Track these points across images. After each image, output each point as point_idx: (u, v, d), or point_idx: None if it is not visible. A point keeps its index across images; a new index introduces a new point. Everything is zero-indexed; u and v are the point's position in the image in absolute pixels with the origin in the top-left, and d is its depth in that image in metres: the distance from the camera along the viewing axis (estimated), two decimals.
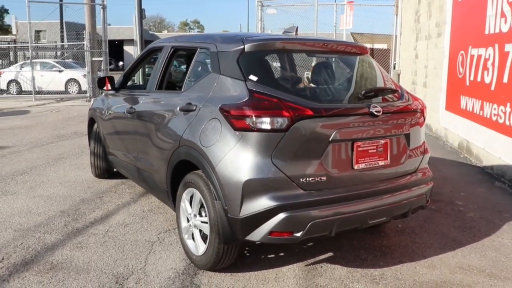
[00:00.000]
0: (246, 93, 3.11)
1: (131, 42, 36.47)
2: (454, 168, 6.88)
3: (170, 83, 4.60)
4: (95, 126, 5.76)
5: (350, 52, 3.90)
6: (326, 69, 3.89)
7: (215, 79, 3.40)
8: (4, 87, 20.16)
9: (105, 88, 5.23)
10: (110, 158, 5.46)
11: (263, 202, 2.94)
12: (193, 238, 3.53)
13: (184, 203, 3.60)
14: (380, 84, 3.85)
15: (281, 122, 2.97)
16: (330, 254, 3.74)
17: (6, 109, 14.37)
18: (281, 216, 2.93)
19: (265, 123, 2.96)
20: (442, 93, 9.02)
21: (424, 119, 3.73)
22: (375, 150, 3.30)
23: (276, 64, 4.43)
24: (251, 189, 2.95)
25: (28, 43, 18.01)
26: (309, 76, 4.26)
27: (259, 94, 3.10)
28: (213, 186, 3.14)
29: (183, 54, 4.86)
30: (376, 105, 3.29)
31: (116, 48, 45.52)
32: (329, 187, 3.10)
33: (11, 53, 26.99)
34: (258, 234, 2.99)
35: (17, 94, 19.66)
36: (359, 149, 3.23)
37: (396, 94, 3.63)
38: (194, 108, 3.46)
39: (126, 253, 3.79)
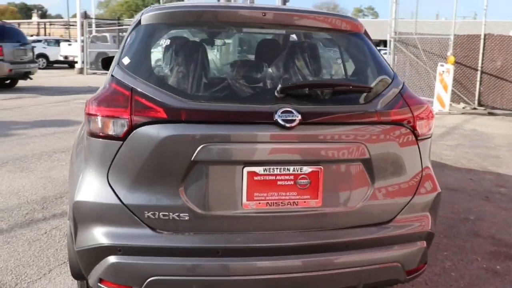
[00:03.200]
0: (108, 82, 2.28)
1: None
2: None
3: None
4: None
5: (309, 27, 2.58)
6: (261, 53, 2.80)
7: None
8: None
9: None
10: None
11: (94, 237, 2.11)
12: None
13: None
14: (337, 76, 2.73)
15: (117, 126, 2.07)
16: None
17: None
18: (109, 260, 2.09)
19: (101, 125, 2.11)
20: None
21: (419, 136, 2.31)
22: (291, 183, 2.13)
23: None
24: (84, 215, 2.16)
25: None
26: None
27: (118, 83, 2.21)
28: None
29: None
30: (290, 109, 2.09)
31: None
32: (195, 230, 2.11)
33: None
34: (92, 278, 2.17)
35: None
36: (256, 178, 2.10)
37: (363, 93, 2.35)
38: None
39: (37, 258, 3.29)
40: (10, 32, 13.38)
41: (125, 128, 2.06)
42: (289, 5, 12.17)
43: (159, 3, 19.55)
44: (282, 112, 2.07)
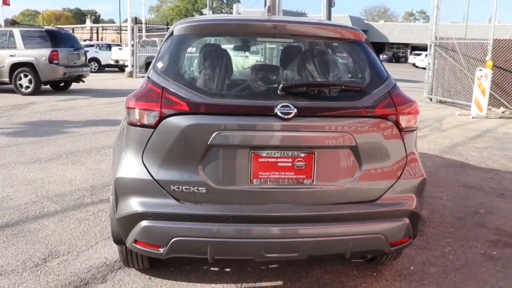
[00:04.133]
0: (145, 82, 2.79)
1: None
2: None
3: None
4: None
5: (316, 36, 3.02)
6: (273, 58, 3.35)
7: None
8: None
9: None
10: None
11: (130, 206, 2.64)
12: None
13: None
14: (334, 77, 3.13)
15: (150, 117, 2.59)
16: (279, 283, 3.17)
17: None
18: (142, 224, 2.60)
19: (138, 116, 2.63)
20: None
21: (402, 129, 2.71)
22: (289, 164, 2.59)
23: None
24: (123, 188, 2.68)
25: None
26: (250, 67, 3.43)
27: (152, 83, 2.72)
28: None
29: None
30: (288, 104, 2.54)
31: None
32: (210, 201, 2.59)
33: None
34: (129, 240, 2.70)
35: None
36: (260, 160, 2.57)
37: (353, 92, 2.75)
38: None
39: (86, 233, 3.91)
40: (65, 37, 14.32)
41: (156, 119, 2.58)
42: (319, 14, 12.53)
43: (207, 8, 19.92)
44: (281, 107, 2.54)
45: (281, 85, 2.64)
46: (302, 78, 2.94)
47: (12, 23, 38.31)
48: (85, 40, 35.95)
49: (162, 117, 2.58)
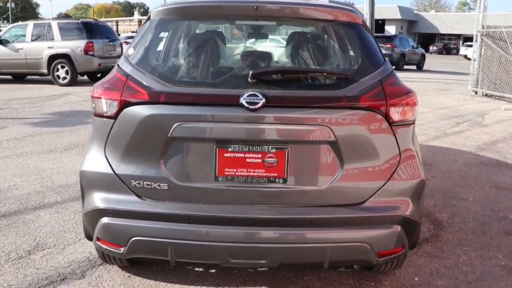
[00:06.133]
0: (114, 70, 2.59)
1: (392, 21, 36.17)
2: None
3: None
4: None
5: (306, 18, 2.66)
6: (249, 43, 3.05)
7: None
8: None
9: None
10: None
11: (93, 201, 2.47)
12: None
13: None
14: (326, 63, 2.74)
15: (111, 106, 2.40)
16: None
17: None
18: (102, 221, 2.43)
19: (100, 106, 2.45)
20: None
21: (393, 123, 2.36)
22: (258, 161, 2.31)
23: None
24: (87, 182, 2.52)
25: None
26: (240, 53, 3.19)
27: (119, 71, 2.52)
28: None
29: None
30: (255, 93, 2.25)
31: (377, 28, 46.14)
32: (172, 199, 2.37)
33: None
34: (94, 237, 2.53)
35: None
36: (226, 155, 2.31)
37: (338, 80, 2.41)
38: None
39: (78, 226, 3.77)
40: (101, 29, 14.51)
41: (117, 108, 2.38)
42: None
43: None
44: (247, 96, 2.26)
45: (250, 72, 2.34)
46: (281, 65, 2.63)
47: (65, 16, 39.58)
48: (132, 32, 36.55)
49: (122, 107, 2.37)
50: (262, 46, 4.97)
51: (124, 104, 2.37)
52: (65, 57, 13.41)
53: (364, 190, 2.38)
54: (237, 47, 3.91)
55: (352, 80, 2.39)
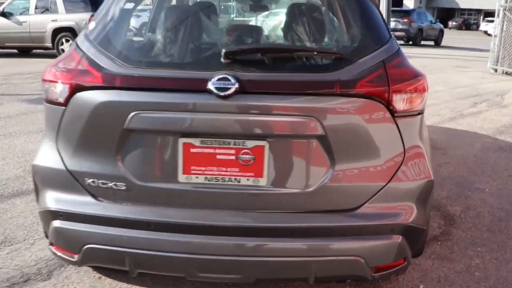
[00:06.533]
0: (71, 48, 2.19)
1: None
2: None
3: None
4: None
5: None
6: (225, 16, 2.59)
7: None
8: None
9: None
10: None
11: (45, 201, 2.12)
12: None
13: None
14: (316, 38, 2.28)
15: (60, 91, 2.01)
16: None
17: None
18: (53, 224, 2.09)
19: (49, 91, 2.07)
20: None
21: (397, 112, 1.95)
22: (232, 158, 1.93)
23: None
24: (39, 178, 2.18)
25: None
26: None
27: (75, 49, 2.12)
28: None
29: None
30: (226, 76, 1.86)
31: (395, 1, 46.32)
32: (131, 200, 2.02)
33: None
34: (48, 241, 2.22)
35: None
36: (193, 150, 1.93)
37: (330, 61, 2.00)
38: None
39: None
40: None
41: (67, 94, 2.00)
42: None
43: None
44: (217, 80, 1.86)
45: (223, 50, 1.92)
46: (266, 42, 2.23)
47: None
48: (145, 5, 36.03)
49: (72, 92, 1.99)
50: (264, 20, 4.53)
51: (75, 89, 1.99)
52: (70, 31, 13.02)
53: (359, 194, 1.99)
54: (225, 21, 3.49)
55: (348, 60, 1.96)
